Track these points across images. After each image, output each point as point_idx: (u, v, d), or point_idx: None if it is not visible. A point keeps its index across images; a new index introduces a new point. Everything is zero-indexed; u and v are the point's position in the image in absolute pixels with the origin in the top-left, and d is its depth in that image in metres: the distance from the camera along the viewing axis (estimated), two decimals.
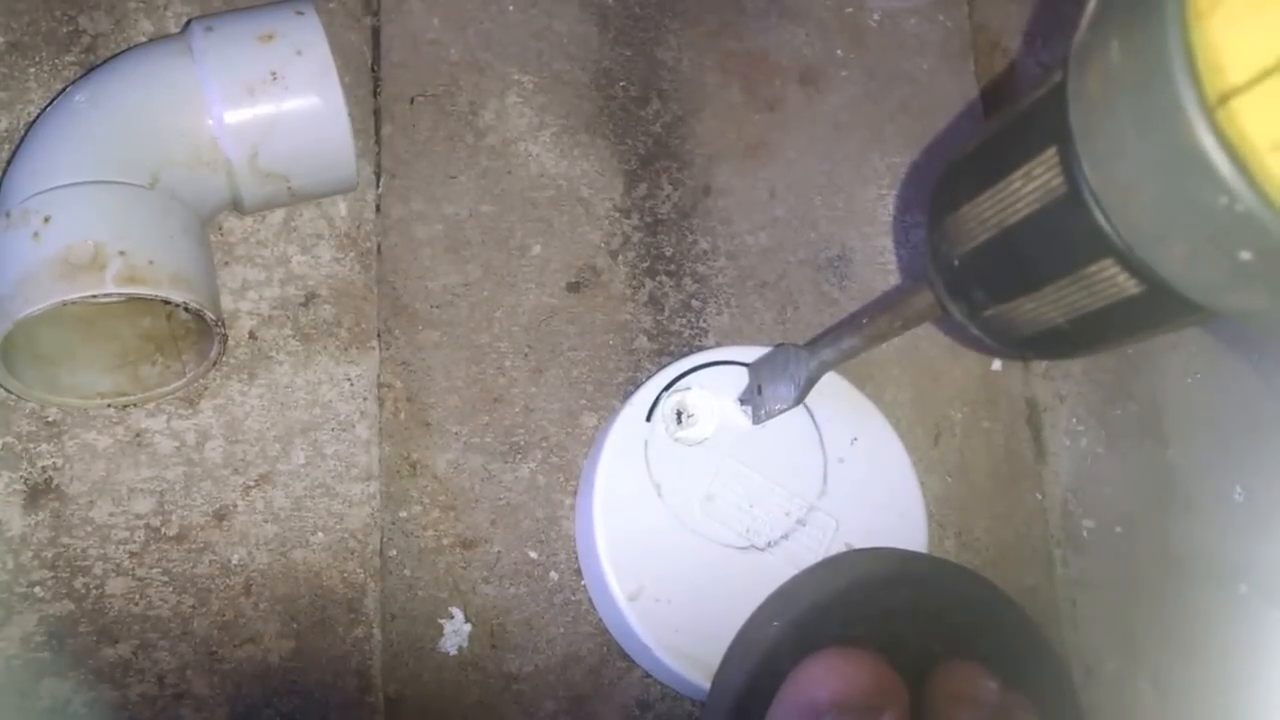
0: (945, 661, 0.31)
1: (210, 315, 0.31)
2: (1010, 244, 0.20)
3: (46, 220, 0.29)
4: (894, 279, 0.43)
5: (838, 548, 0.37)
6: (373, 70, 0.41)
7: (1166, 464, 0.43)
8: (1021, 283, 0.20)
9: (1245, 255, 0.15)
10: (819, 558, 0.36)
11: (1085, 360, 0.45)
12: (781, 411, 0.35)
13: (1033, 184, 0.19)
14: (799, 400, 0.34)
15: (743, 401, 0.37)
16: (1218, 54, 0.14)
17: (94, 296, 0.29)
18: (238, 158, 0.32)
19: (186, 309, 0.31)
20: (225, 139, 0.32)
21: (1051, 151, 0.19)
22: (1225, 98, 0.14)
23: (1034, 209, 0.19)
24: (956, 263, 0.22)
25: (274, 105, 0.32)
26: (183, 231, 0.31)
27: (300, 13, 0.33)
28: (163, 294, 0.30)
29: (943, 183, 0.23)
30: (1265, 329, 0.18)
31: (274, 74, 0.32)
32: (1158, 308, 0.19)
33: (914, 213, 0.44)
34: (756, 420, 0.37)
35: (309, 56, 0.32)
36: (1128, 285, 0.18)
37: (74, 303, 0.29)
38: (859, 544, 0.37)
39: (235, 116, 0.32)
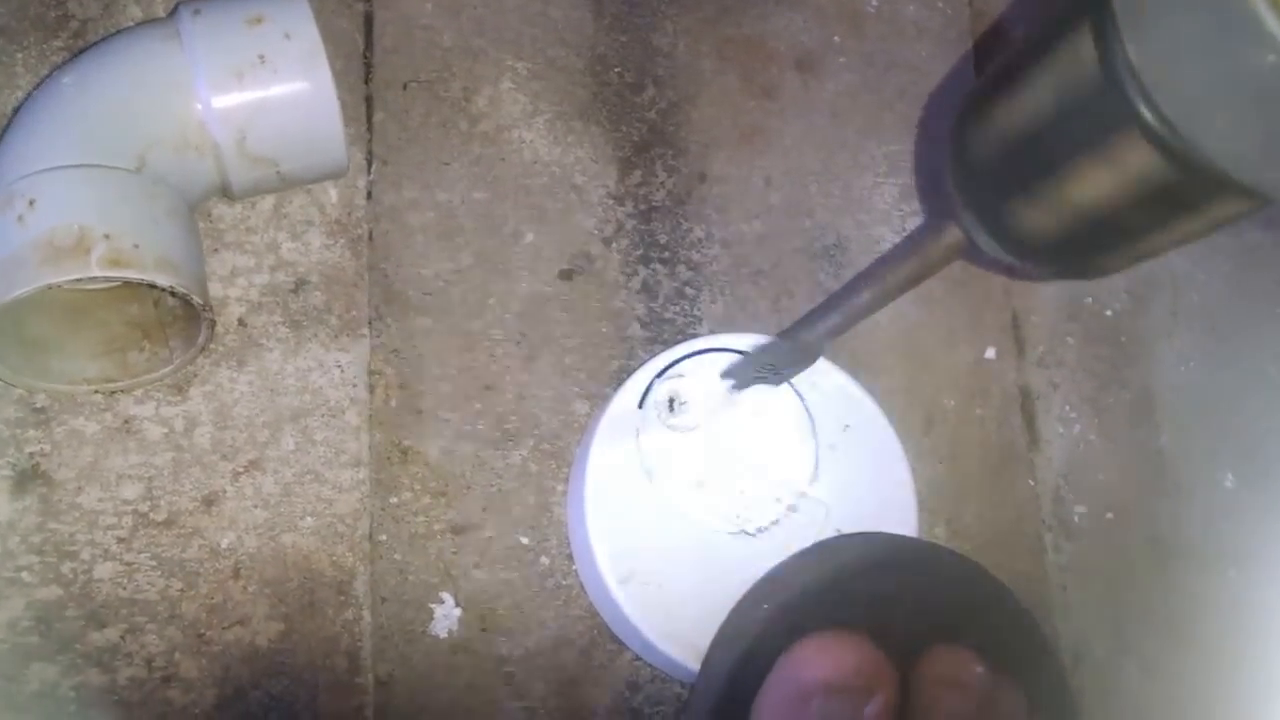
0: (934, 645, 0.31)
1: (197, 299, 0.31)
2: (1042, 137, 0.20)
3: (31, 203, 0.29)
4: None
5: (828, 534, 0.37)
6: (364, 56, 0.40)
7: (1158, 451, 0.44)
8: (1054, 179, 0.20)
9: None
10: (810, 543, 0.36)
11: (1079, 348, 0.45)
12: (801, 368, 0.33)
13: (1065, 67, 0.19)
14: (818, 355, 0.32)
15: (734, 387, 0.37)
16: None
17: (79, 280, 0.29)
18: (225, 141, 0.32)
19: (173, 293, 0.30)
20: (213, 123, 0.32)
21: (1085, 29, 0.18)
22: None
23: (1066, 94, 0.19)
24: (986, 174, 0.21)
25: (262, 89, 0.32)
26: (169, 215, 0.31)
27: None
28: (148, 277, 0.29)
29: (970, 97, 0.22)
30: None
31: (262, 57, 0.32)
32: (1193, 195, 0.18)
33: (911, 201, 0.44)
34: (776, 382, 0.34)
35: (298, 40, 0.32)
36: (1164, 170, 0.18)
37: (59, 286, 0.29)
38: (849, 530, 0.37)
39: (223, 100, 0.32)
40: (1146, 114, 0.17)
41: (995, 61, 0.22)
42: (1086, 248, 0.21)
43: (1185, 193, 0.18)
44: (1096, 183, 0.19)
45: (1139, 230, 0.20)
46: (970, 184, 0.22)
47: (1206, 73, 0.16)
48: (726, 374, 0.36)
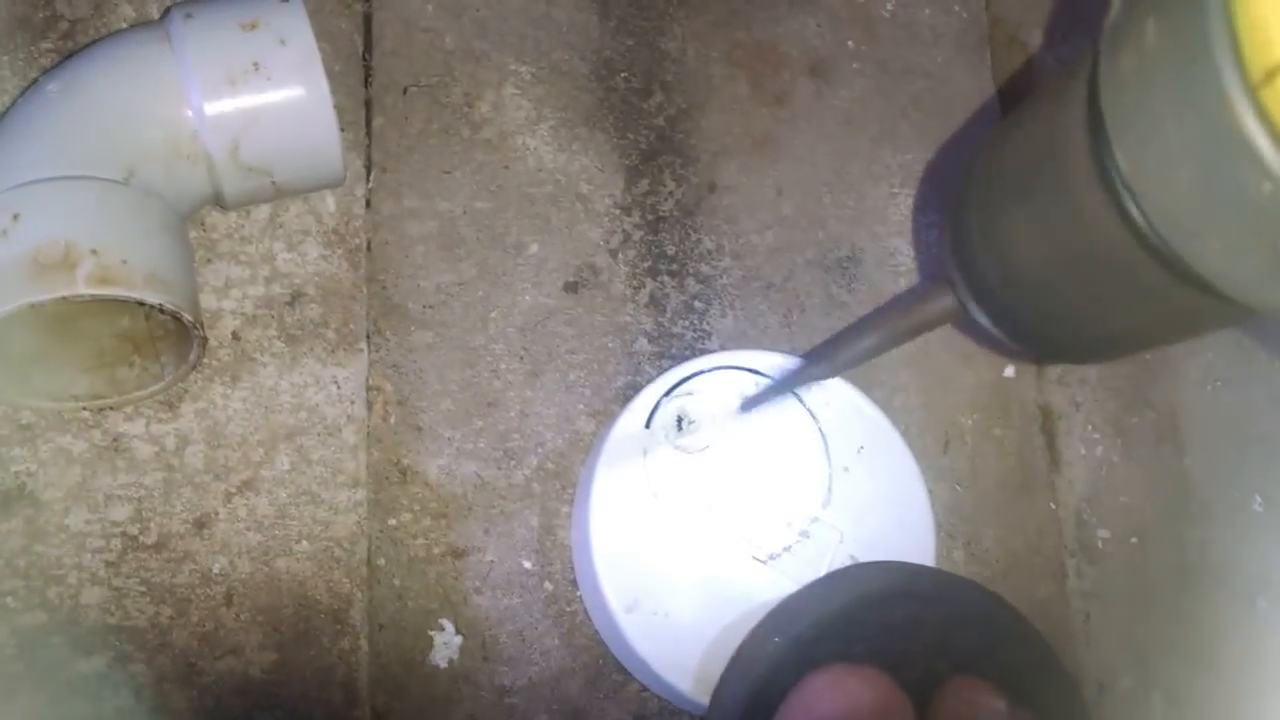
0: (951, 679, 0.31)
1: (187, 317, 0.30)
2: (1037, 240, 0.19)
3: (15, 218, 0.28)
4: (906, 281, 0.42)
5: (842, 560, 0.35)
6: (364, 59, 0.39)
7: (1184, 473, 0.42)
8: (1050, 281, 0.19)
9: None
10: (822, 571, 0.35)
11: (1102, 366, 0.43)
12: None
13: (1059, 174, 0.18)
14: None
15: (744, 408, 0.36)
16: (1263, 28, 0.14)
17: (65, 298, 0.28)
18: (218, 151, 0.31)
19: (163, 311, 0.29)
20: (205, 131, 0.30)
21: (1081, 138, 0.18)
22: (1270, 75, 0.14)
23: (1061, 201, 0.18)
24: (980, 262, 0.21)
25: (256, 96, 0.31)
26: (160, 229, 0.30)
27: None
28: (136, 295, 0.28)
29: (963, 180, 0.22)
30: None
31: (256, 64, 0.30)
32: (1190, 306, 0.18)
33: (928, 212, 0.43)
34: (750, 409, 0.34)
35: (293, 46, 0.31)
36: (1161, 281, 0.17)
37: (44, 304, 0.28)
38: (864, 556, 0.35)
39: (215, 108, 0.30)
40: (1143, 226, 0.16)
41: (991, 147, 0.21)
42: (1092, 346, 0.21)
43: (1189, 303, 0.17)
44: (1096, 288, 0.19)
45: (1144, 334, 0.20)
46: (969, 268, 0.21)
47: (1199, 192, 0.15)
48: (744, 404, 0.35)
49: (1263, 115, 0.14)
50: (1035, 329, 0.21)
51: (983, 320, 0.22)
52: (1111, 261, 0.18)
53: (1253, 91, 0.14)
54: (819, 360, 0.31)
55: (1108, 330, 0.20)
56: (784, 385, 0.34)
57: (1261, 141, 0.14)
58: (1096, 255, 0.18)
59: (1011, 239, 0.20)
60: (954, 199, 0.22)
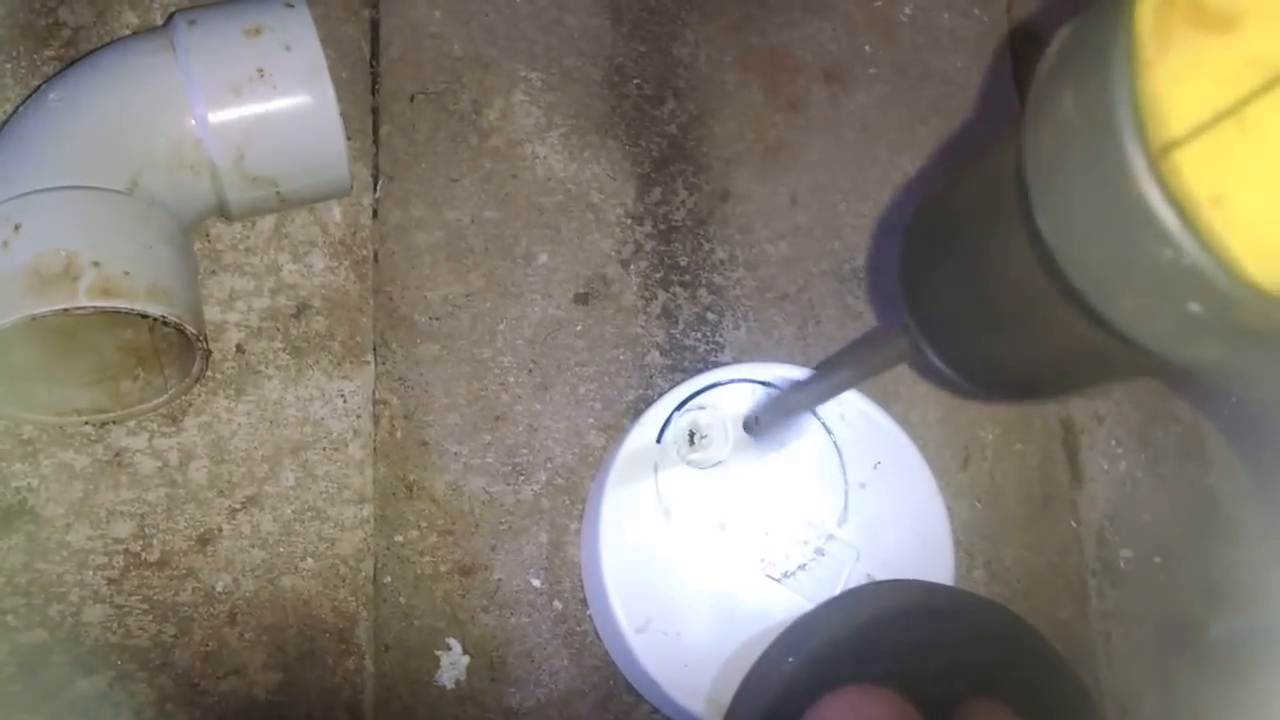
0: (970, 701, 0.30)
1: (191, 329, 0.29)
2: (976, 289, 0.21)
3: (16, 229, 0.28)
4: None
5: (858, 579, 0.35)
6: (371, 66, 0.39)
7: (1209, 490, 0.41)
8: (990, 326, 0.21)
9: (1194, 308, 0.15)
10: (838, 589, 0.34)
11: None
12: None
13: (994, 231, 0.19)
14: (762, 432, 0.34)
15: (745, 427, 0.35)
16: (1161, 104, 0.14)
17: (66, 310, 0.27)
18: (223, 160, 0.30)
19: (165, 323, 0.29)
20: (209, 140, 0.30)
21: (1011, 196, 0.19)
22: (1168, 149, 0.14)
23: (997, 256, 0.20)
24: (928, 308, 0.22)
25: (261, 104, 0.30)
26: (162, 240, 0.29)
27: (290, 5, 0.31)
28: (139, 307, 0.28)
29: (912, 230, 0.23)
30: (1223, 382, 0.17)
31: (261, 71, 0.30)
32: (1118, 354, 0.18)
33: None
34: (757, 435, 0.35)
35: (299, 52, 0.30)
36: (1088, 332, 0.18)
37: (44, 316, 0.27)
38: (881, 575, 0.35)
39: (220, 116, 0.30)
40: (1067, 283, 0.17)
41: (931, 196, 0.23)
42: (1037, 387, 0.22)
43: (1117, 352, 0.18)
44: (1033, 338, 0.20)
45: (1083, 375, 0.21)
46: (920, 315, 0.23)
47: (1112, 256, 0.16)
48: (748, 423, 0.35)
49: (1163, 187, 0.15)
50: (980, 371, 0.22)
51: (935, 360, 0.23)
52: (1043, 313, 0.19)
53: (1153, 164, 0.15)
54: (792, 395, 0.32)
55: (1044, 372, 0.21)
56: (765, 417, 0.34)
57: (1163, 212, 0.15)
58: (1030, 307, 0.19)
59: (953, 286, 0.21)
60: (902, 243, 0.23)
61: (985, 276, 0.20)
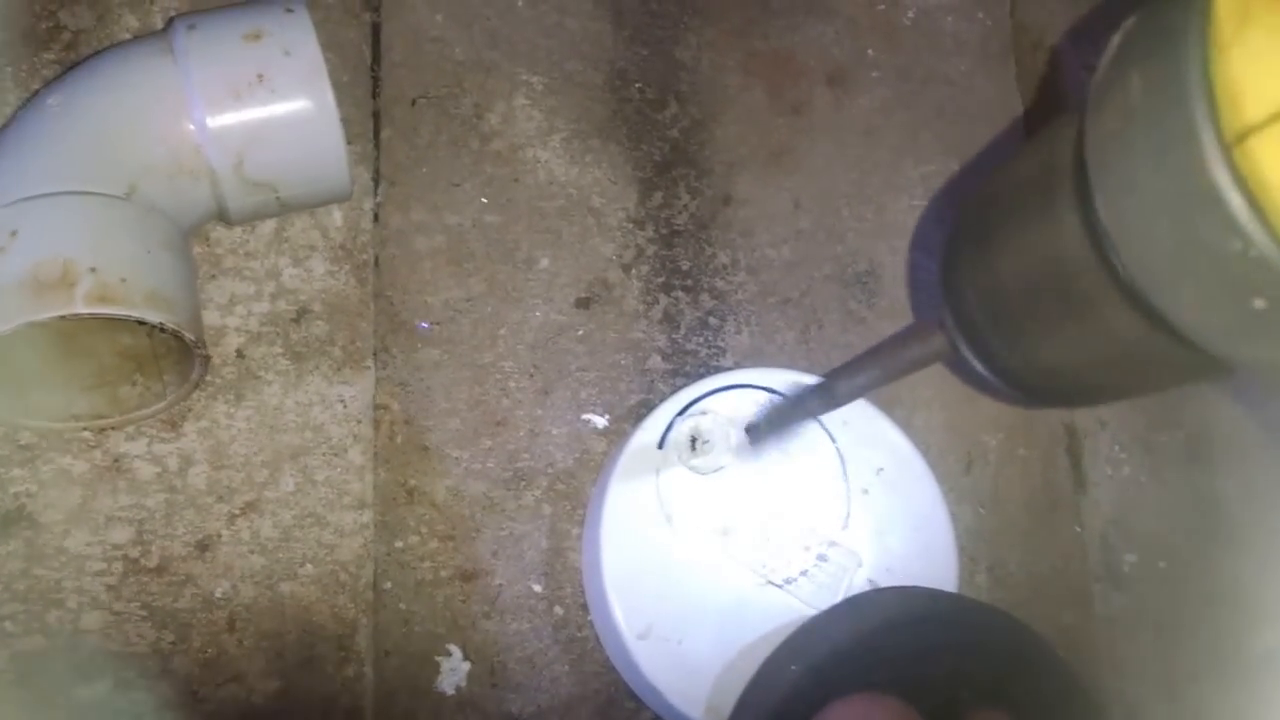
0: (974, 708, 0.30)
1: (189, 336, 0.29)
2: (1026, 286, 0.20)
3: (13, 234, 0.27)
4: (926, 296, 0.41)
5: (861, 585, 0.34)
6: (372, 70, 0.38)
7: (1214, 494, 0.41)
8: (1037, 325, 0.20)
9: (1259, 303, 0.14)
10: (840, 596, 0.34)
11: None
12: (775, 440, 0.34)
13: (1047, 223, 0.19)
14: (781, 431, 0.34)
15: (748, 432, 0.35)
16: (1237, 89, 0.14)
17: (63, 317, 0.27)
18: (222, 166, 0.30)
19: (163, 329, 0.28)
20: (208, 146, 0.30)
21: (1067, 185, 0.18)
22: (1243, 135, 0.14)
23: (1048, 249, 0.19)
24: (972, 304, 0.22)
25: (261, 109, 0.30)
26: (161, 245, 0.29)
27: (290, 10, 0.30)
28: (136, 314, 0.27)
29: (957, 224, 0.22)
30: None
31: (261, 76, 0.30)
32: (1171, 356, 0.18)
33: (950, 226, 0.42)
34: (756, 443, 0.35)
35: (299, 57, 0.30)
36: (1140, 331, 0.18)
37: (42, 323, 0.27)
38: (883, 581, 0.34)
39: (219, 121, 0.30)
40: (1122, 277, 0.17)
41: (984, 188, 0.22)
42: (1079, 391, 0.21)
43: (1169, 353, 0.18)
44: (1081, 336, 0.19)
45: (1127, 379, 0.20)
46: (960, 307, 0.22)
47: (1174, 246, 0.15)
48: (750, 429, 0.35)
49: (1235, 174, 0.14)
50: (1021, 372, 0.21)
51: (972, 360, 0.22)
52: (1093, 307, 0.18)
53: (1226, 150, 0.14)
54: (815, 395, 0.31)
55: (1089, 376, 0.20)
56: (780, 420, 0.34)
57: (1233, 199, 0.14)
58: (1078, 300, 0.19)
59: (999, 281, 0.21)
60: (947, 237, 0.23)
61: (1033, 268, 0.19)
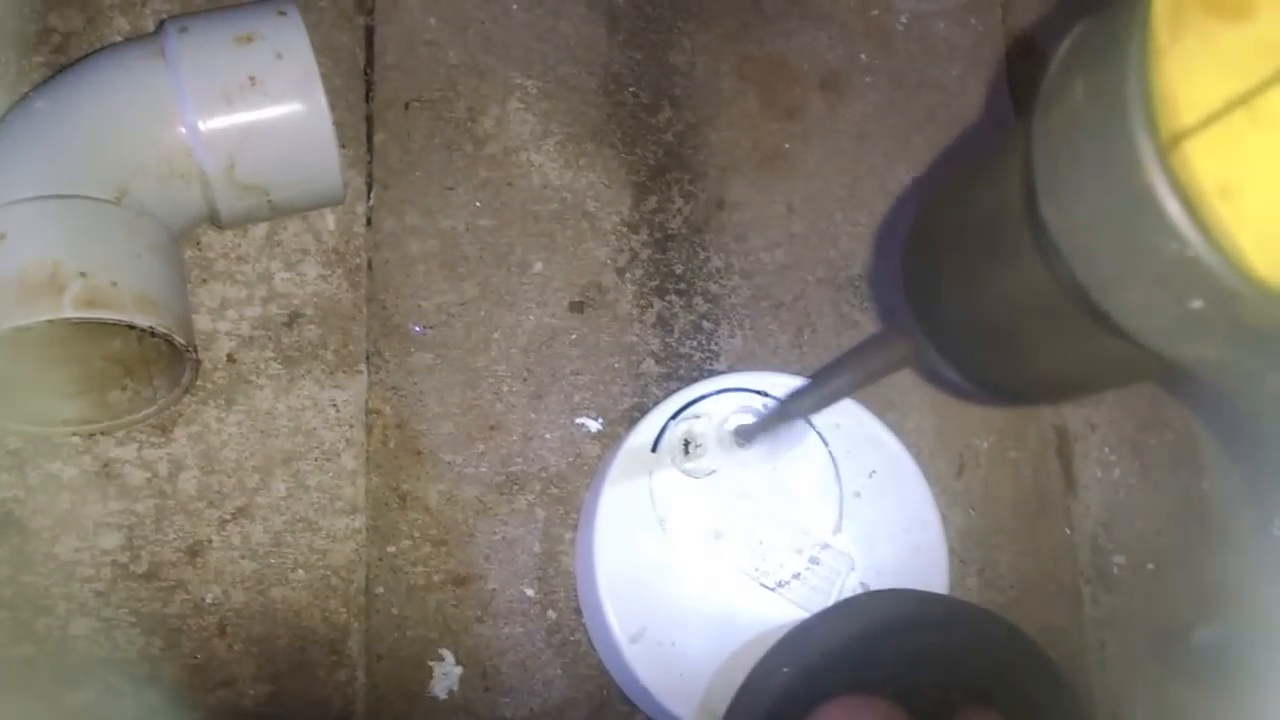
0: (964, 709, 0.30)
1: (179, 340, 0.29)
2: (981, 286, 0.20)
3: (2, 238, 0.27)
4: None
5: (852, 587, 0.34)
6: (365, 73, 0.38)
7: (1203, 496, 0.41)
8: (993, 325, 0.20)
9: (1196, 304, 0.15)
10: (832, 598, 0.34)
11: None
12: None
13: (999, 226, 0.19)
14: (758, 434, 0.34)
15: (740, 436, 0.35)
16: (1172, 93, 0.14)
17: (51, 321, 0.27)
18: (213, 169, 0.30)
19: (153, 334, 0.28)
20: (200, 149, 0.30)
21: (1017, 190, 0.18)
22: (1178, 139, 0.14)
23: (1001, 252, 0.19)
24: (932, 307, 0.22)
25: (252, 112, 0.30)
26: (151, 249, 0.29)
27: (282, 13, 0.30)
28: (125, 318, 0.27)
29: (915, 230, 0.23)
30: (1222, 384, 0.17)
31: (253, 79, 0.29)
32: (1120, 354, 0.18)
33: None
34: (746, 446, 0.35)
35: (291, 60, 0.30)
36: (1093, 333, 0.18)
37: (30, 327, 0.27)
38: (875, 583, 0.35)
39: (210, 124, 0.29)
40: (1068, 278, 0.17)
41: (934, 200, 0.22)
42: (1041, 389, 0.22)
43: (1117, 352, 0.18)
44: (1036, 336, 0.19)
45: (1086, 377, 0.21)
46: (925, 316, 0.22)
47: (1116, 248, 0.16)
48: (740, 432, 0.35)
49: (1171, 177, 0.14)
50: (984, 372, 0.22)
51: (939, 363, 0.23)
52: (1044, 309, 0.19)
53: (1163, 154, 0.14)
54: (792, 400, 0.32)
55: (1049, 375, 0.21)
56: (762, 425, 0.34)
57: (1169, 202, 0.14)
58: (1031, 303, 0.19)
59: (957, 285, 0.21)
60: (905, 243, 0.23)
61: (989, 274, 0.20)
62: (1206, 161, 0.14)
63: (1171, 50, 0.14)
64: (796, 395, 0.30)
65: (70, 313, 0.27)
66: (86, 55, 0.33)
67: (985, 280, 0.20)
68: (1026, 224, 0.18)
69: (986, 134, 0.43)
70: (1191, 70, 0.14)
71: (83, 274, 0.27)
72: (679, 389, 0.36)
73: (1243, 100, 0.13)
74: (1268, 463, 0.41)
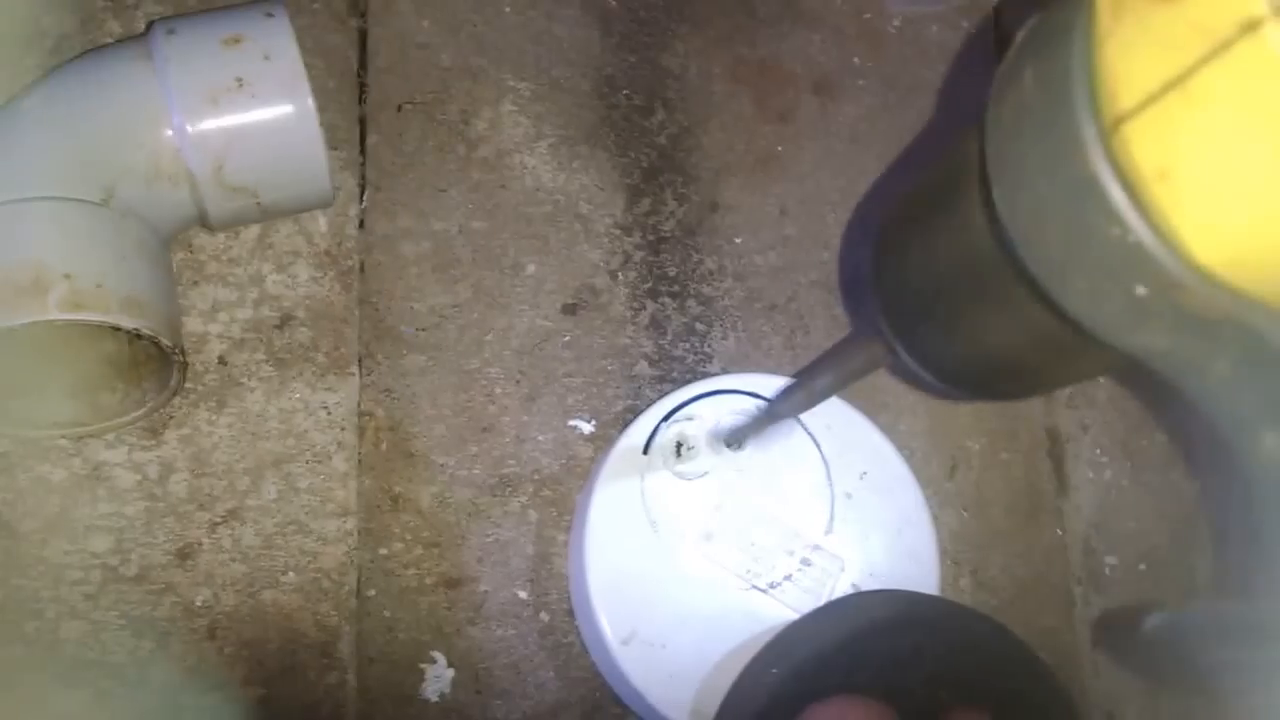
0: (954, 709, 0.30)
1: (166, 342, 0.29)
2: (942, 278, 0.20)
3: None
4: None
5: (844, 589, 0.34)
6: (358, 75, 0.38)
7: (1194, 497, 0.41)
8: (953, 315, 0.21)
9: (1140, 290, 0.15)
10: (823, 600, 0.34)
11: (1110, 387, 0.42)
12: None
13: (958, 218, 0.19)
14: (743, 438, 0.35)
15: (732, 438, 0.35)
16: (1113, 77, 0.14)
17: (36, 322, 0.27)
18: (201, 171, 0.30)
19: (139, 336, 0.28)
20: (187, 150, 0.29)
21: (973, 181, 0.18)
22: (1118, 123, 0.14)
23: (959, 241, 0.20)
24: (896, 301, 0.22)
25: (240, 114, 0.30)
26: (138, 251, 0.29)
27: (270, 14, 0.30)
28: (111, 320, 0.27)
29: (882, 225, 0.23)
30: (1170, 374, 0.17)
31: (240, 80, 0.29)
32: (1073, 343, 0.18)
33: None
34: (737, 448, 0.35)
35: (279, 62, 0.30)
36: (1043, 319, 0.18)
37: (16, 329, 0.27)
38: (866, 585, 0.35)
39: (198, 126, 0.29)
40: (1022, 266, 0.17)
41: (903, 193, 0.22)
42: (1003, 381, 0.22)
43: (1073, 342, 0.18)
44: (995, 326, 0.20)
45: (1045, 368, 0.21)
46: (891, 309, 0.23)
47: (1064, 235, 0.16)
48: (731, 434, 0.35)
49: (1113, 161, 0.14)
50: (949, 367, 0.22)
51: (905, 356, 0.23)
52: (1005, 301, 0.19)
53: (1105, 138, 0.14)
54: (777, 402, 0.32)
55: (1014, 368, 0.21)
56: (752, 427, 0.34)
57: (1112, 186, 0.14)
58: (989, 293, 0.19)
59: (917, 275, 0.21)
60: (875, 240, 0.23)
61: (947, 263, 0.20)
62: (1145, 145, 0.14)
63: (1112, 35, 0.14)
64: (781, 396, 0.30)
65: (55, 314, 0.27)
66: (73, 58, 0.33)
67: (943, 265, 0.20)
68: (982, 208, 0.18)
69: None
70: (1130, 53, 0.14)
71: (68, 275, 0.27)
72: (672, 391, 0.36)
73: (1177, 81, 0.13)
74: (1215, 459, 0.41)
